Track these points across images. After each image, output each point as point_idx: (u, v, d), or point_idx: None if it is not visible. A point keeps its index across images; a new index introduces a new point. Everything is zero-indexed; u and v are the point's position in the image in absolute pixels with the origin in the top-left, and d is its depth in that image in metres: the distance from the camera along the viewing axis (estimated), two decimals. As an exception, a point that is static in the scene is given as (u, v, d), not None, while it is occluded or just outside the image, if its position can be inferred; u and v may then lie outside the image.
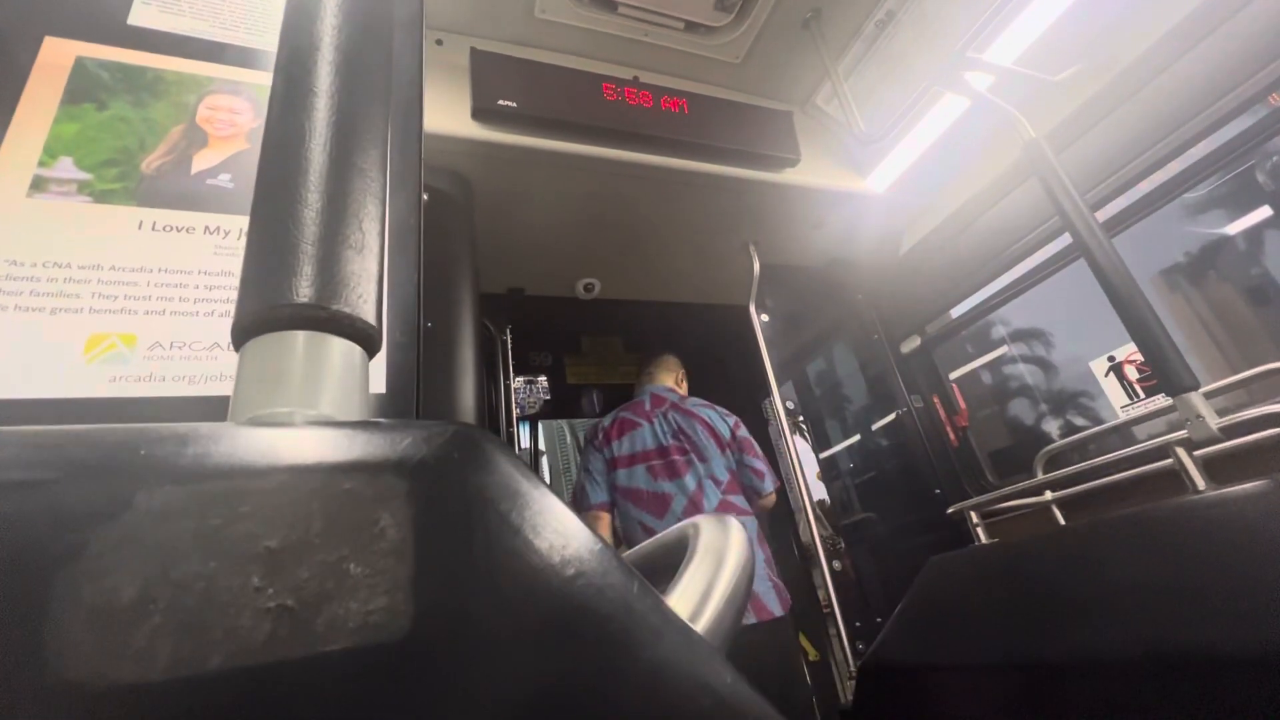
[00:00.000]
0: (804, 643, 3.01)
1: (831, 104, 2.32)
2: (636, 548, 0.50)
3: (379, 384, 0.68)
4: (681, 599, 0.32)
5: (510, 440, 2.16)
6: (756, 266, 2.44)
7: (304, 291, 0.28)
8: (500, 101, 1.73)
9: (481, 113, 1.72)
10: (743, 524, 0.42)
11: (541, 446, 3.18)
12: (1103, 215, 1.90)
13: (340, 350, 0.29)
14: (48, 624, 0.16)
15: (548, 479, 2.91)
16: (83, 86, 0.73)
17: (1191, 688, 0.79)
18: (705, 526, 0.39)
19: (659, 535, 0.45)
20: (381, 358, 0.69)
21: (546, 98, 1.80)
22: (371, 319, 0.31)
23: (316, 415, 0.27)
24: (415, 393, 0.71)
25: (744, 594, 0.34)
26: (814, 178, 2.21)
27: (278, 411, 0.27)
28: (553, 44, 1.99)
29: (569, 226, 2.21)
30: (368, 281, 0.31)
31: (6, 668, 0.16)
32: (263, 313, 0.29)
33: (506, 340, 2.42)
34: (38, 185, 0.66)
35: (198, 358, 0.64)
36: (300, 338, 0.29)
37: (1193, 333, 2.27)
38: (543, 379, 3.08)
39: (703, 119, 2.01)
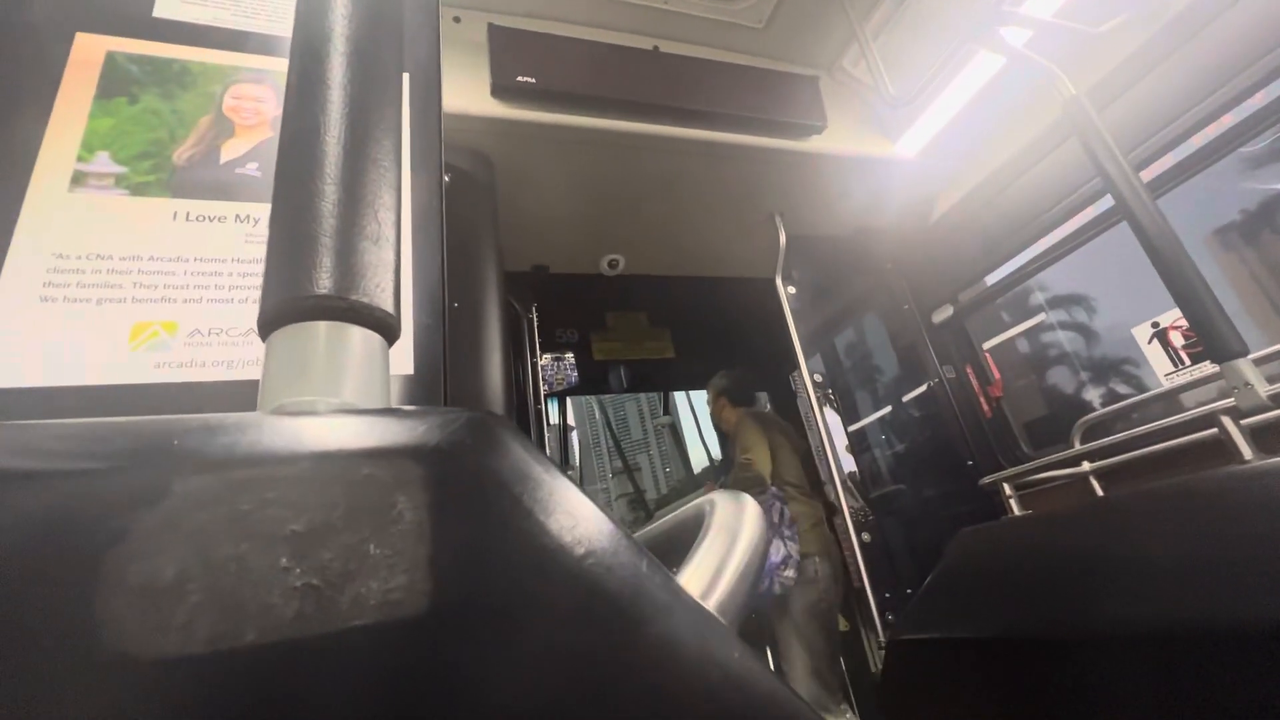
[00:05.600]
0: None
1: (859, 67, 2.24)
2: (655, 524, 0.50)
3: (407, 366, 0.70)
4: (694, 576, 0.33)
5: (539, 417, 2.19)
6: (783, 238, 2.39)
7: (323, 283, 0.29)
8: (519, 78, 1.71)
9: (501, 90, 1.71)
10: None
11: (571, 422, 3.21)
12: (1148, 175, 1.81)
13: (360, 339, 0.30)
14: (97, 602, 0.18)
15: (577, 454, 2.96)
16: (114, 81, 0.75)
17: (1233, 661, 0.78)
18: (720, 503, 0.39)
19: (677, 511, 0.46)
20: (409, 340, 0.71)
21: (565, 72, 1.78)
22: (390, 307, 0.31)
23: (339, 403, 0.28)
24: (443, 374, 0.72)
25: (756, 571, 0.34)
26: (841, 144, 2.15)
27: (302, 400, 0.28)
28: (570, 16, 1.96)
29: (592, 202, 2.20)
30: (385, 271, 0.31)
31: (61, 643, 0.17)
32: (285, 305, 0.30)
33: (532, 318, 2.44)
34: (78, 180, 0.68)
35: (234, 343, 0.66)
36: (322, 328, 0.30)
37: (1247, 296, 2.17)
38: (570, 356, 3.10)
39: (725, 88, 1.96)
